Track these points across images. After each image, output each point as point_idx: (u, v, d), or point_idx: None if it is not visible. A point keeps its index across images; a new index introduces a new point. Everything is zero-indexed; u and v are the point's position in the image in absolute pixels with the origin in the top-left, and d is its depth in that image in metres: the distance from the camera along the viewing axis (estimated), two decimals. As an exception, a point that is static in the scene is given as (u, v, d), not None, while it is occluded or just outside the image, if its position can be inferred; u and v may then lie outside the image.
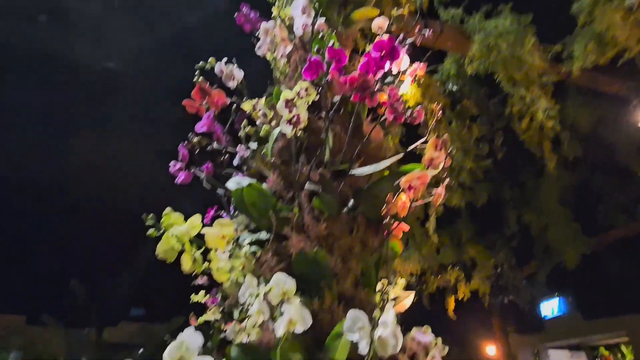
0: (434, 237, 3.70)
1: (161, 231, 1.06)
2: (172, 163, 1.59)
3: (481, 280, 5.24)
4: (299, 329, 0.86)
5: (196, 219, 1.02)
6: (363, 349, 0.94)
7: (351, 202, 1.26)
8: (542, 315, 6.70)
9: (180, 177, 1.54)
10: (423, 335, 1.01)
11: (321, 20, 1.38)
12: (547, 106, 2.55)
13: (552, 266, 5.11)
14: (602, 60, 2.47)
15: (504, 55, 2.46)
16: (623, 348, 7.44)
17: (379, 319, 0.96)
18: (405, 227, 1.48)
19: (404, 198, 1.44)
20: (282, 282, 0.84)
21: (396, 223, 1.41)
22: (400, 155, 1.24)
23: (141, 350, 5.93)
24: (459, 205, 4.08)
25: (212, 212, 1.94)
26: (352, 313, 0.95)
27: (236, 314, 1.44)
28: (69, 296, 6.57)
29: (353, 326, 0.95)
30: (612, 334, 5.90)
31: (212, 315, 1.41)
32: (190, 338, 0.87)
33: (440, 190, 1.13)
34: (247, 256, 1.33)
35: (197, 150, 1.51)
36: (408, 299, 1.36)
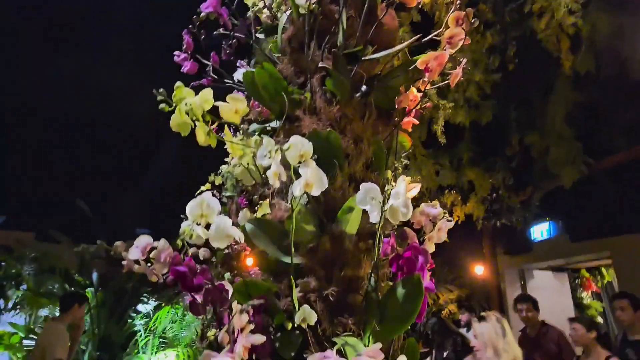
0: (441, 139, 3.71)
1: (173, 106, 1.05)
2: (176, 53, 1.54)
3: (476, 204, 5.39)
4: (316, 191, 0.88)
5: (208, 92, 1.00)
6: (374, 218, 0.98)
7: (363, 87, 1.24)
8: (532, 238, 7.00)
9: (186, 67, 1.50)
10: (431, 208, 1.05)
11: None
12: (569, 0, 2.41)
13: (548, 190, 5.23)
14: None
15: (529, -55, 2.27)
16: (603, 270, 7.91)
17: (390, 193, 0.99)
18: (415, 121, 1.47)
19: (415, 92, 1.42)
20: (300, 144, 0.85)
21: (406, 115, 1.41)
22: (417, 37, 1.20)
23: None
24: (463, 122, 4.04)
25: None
26: (366, 185, 0.97)
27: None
28: (76, 215, 6.76)
29: (366, 197, 0.98)
30: (595, 255, 6.22)
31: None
32: (210, 198, 0.89)
33: (458, 70, 1.10)
34: (257, 143, 1.34)
35: (203, 37, 1.45)
36: (414, 189, 1.40)
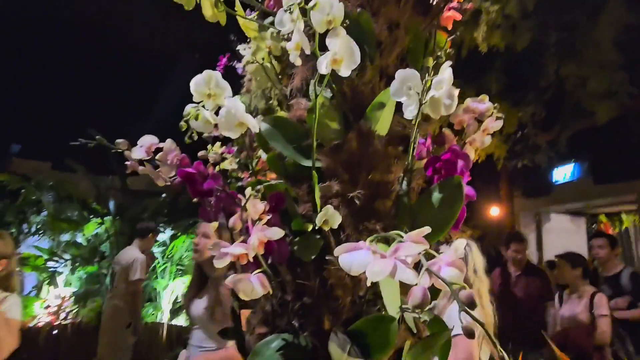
0: (483, 47, 3.42)
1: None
2: None
3: (499, 143, 5.15)
4: (345, 70, 0.73)
5: (215, -47, 0.82)
6: (410, 112, 0.83)
7: (402, -37, 1.03)
8: (553, 180, 6.79)
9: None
10: (479, 102, 0.89)
11: None
12: None
13: (576, 130, 4.92)
14: None
15: None
16: (623, 216, 7.75)
17: (430, 84, 0.83)
18: (458, 15, 1.28)
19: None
20: (328, 5, 0.68)
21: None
22: None
23: (163, 195, 6.31)
24: (497, 46, 3.67)
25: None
26: (403, 72, 0.82)
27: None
28: (90, 146, 6.76)
29: (402, 87, 0.82)
30: (619, 199, 6.02)
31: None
32: (219, 76, 0.75)
33: None
34: (274, 37, 1.18)
35: None
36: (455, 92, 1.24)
